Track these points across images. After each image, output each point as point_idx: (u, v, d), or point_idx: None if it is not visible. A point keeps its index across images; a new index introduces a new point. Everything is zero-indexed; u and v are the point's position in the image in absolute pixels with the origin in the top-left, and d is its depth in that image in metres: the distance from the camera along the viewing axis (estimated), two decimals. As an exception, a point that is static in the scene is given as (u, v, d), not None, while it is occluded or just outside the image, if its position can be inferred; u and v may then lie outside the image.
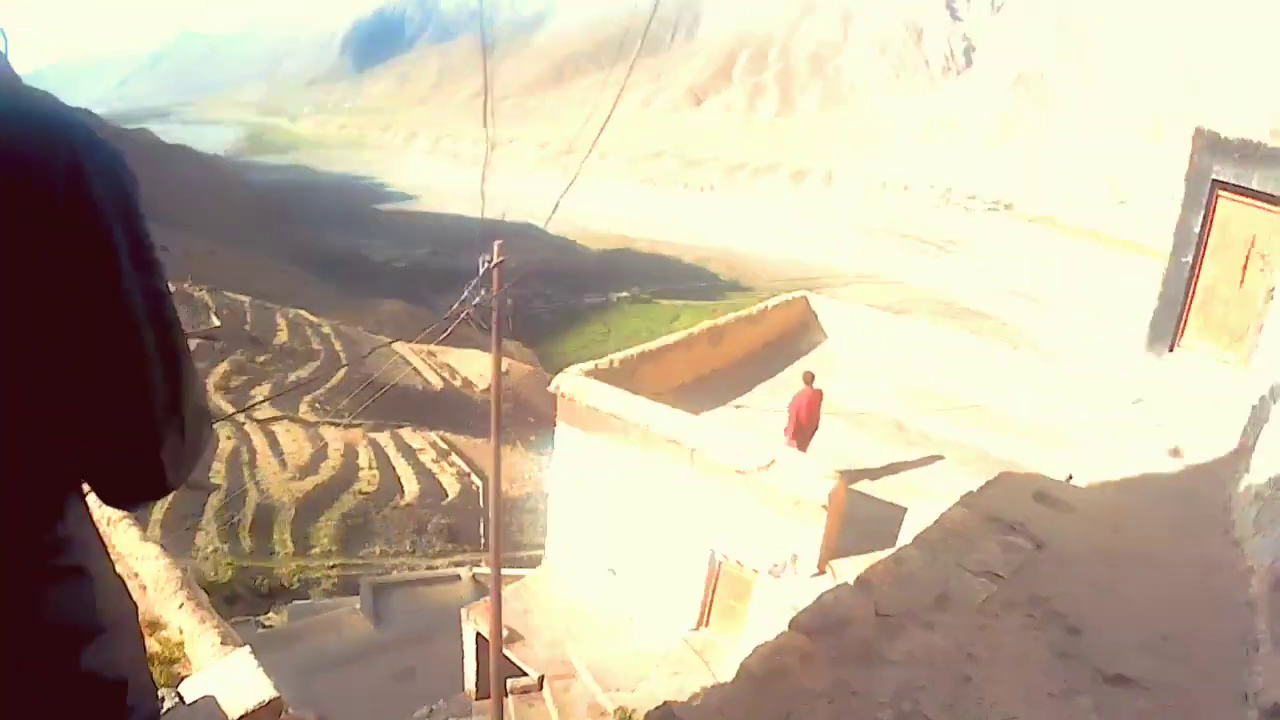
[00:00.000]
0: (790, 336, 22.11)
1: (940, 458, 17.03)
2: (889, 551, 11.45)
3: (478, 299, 15.91)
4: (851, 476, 14.69)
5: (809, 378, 16.48)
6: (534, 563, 25.90)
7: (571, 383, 16.06)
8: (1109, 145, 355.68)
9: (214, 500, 39.04)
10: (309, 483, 41.66)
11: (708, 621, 15.48)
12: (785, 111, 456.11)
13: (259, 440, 46.02)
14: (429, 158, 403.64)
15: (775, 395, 18.92)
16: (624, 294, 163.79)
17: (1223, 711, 4.97)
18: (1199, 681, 5.12)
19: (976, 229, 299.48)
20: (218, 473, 41.03)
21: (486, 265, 15.79)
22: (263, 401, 47.91)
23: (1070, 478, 9.58)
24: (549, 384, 17.47)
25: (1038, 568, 5.92)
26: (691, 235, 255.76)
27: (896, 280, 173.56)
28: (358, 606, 27.06)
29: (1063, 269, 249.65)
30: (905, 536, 10.86)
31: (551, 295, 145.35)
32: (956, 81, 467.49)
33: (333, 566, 35.39)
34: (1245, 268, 13.20)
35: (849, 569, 12.35)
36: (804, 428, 16.72)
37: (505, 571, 16.89)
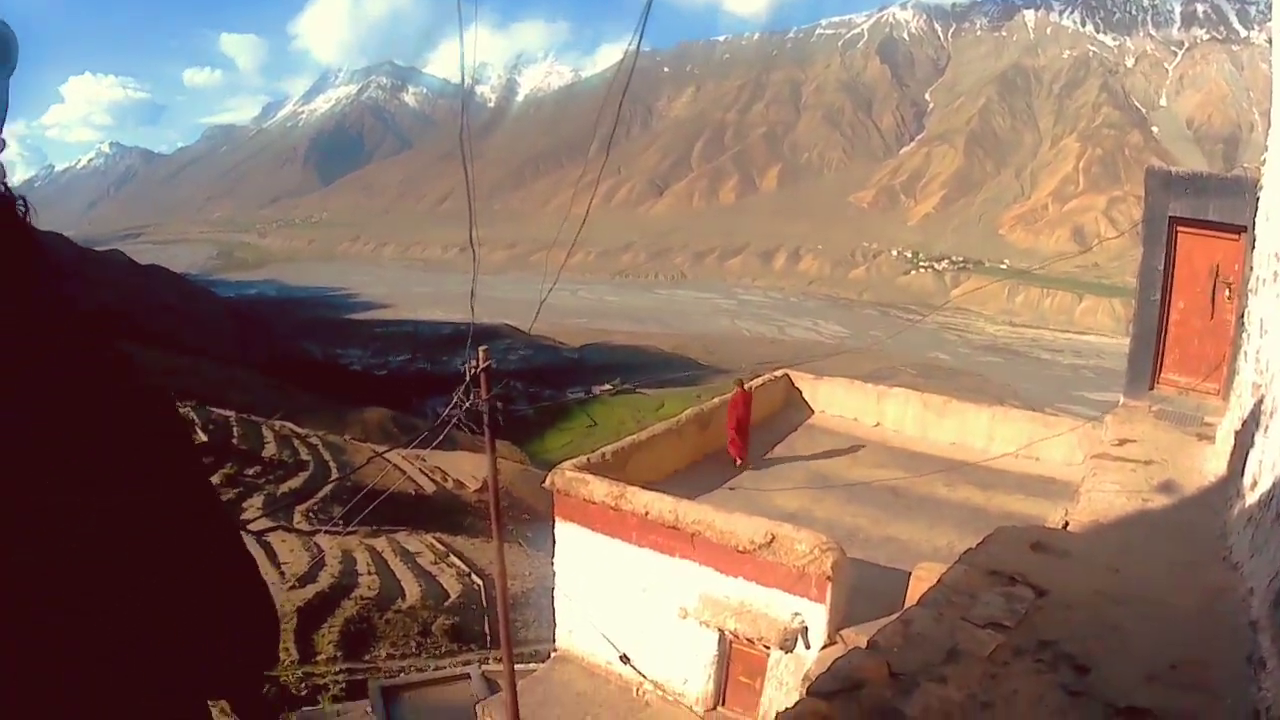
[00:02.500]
0: (776, 415, 22.36)
1: (938, 519, 17.21)
2: (896, 615, 11.62)
3: (466, 404, 16.07)
4: (852, 546, 14.86)
5: (739, 383, 18.57)
6: (541, 657, 25.88)
7: (566, 477, 16.21)
8: (1064, 191, 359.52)
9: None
10: (309, 591, 41.43)
11: (724, 701, 15.53)
12: (747, 192, 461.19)
13: (256, 552, 45.80)
14: (398, 265, 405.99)
15: (767, 474, 19.14)
16: (606, 386, 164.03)
17: (1235, 732, 5.14)
18: (1210, 705, 5.26)
19: (947, 289, 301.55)
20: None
21: (473, 370, 16.00)
22: (259, 517, 47.79)
23: (1066, 525, 9.75)
24: (541, 480, 17.64)
25: (1042, 614, 6.08)
26: (668, 323, 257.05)
27: (874, 347, 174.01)
28: (369, 710, 26.97)
29: (1037, 320, 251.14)
30: (910, 601, 11.02)
31: (534, 392, 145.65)
32: (911, 146, 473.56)
33: (339, 672, 35.15)
34: (1213, 298, 13.46)
35: (859, 637, 12.51)
36: (743, 426, 19.32)
37: (515, 667, 16.93)
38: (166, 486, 1.60)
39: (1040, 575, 6.57)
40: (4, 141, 1.83)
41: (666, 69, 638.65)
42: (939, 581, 6.71)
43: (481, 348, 16.87)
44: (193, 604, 1.57)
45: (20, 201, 1.79)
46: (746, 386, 20.59)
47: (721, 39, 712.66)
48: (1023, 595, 6.28)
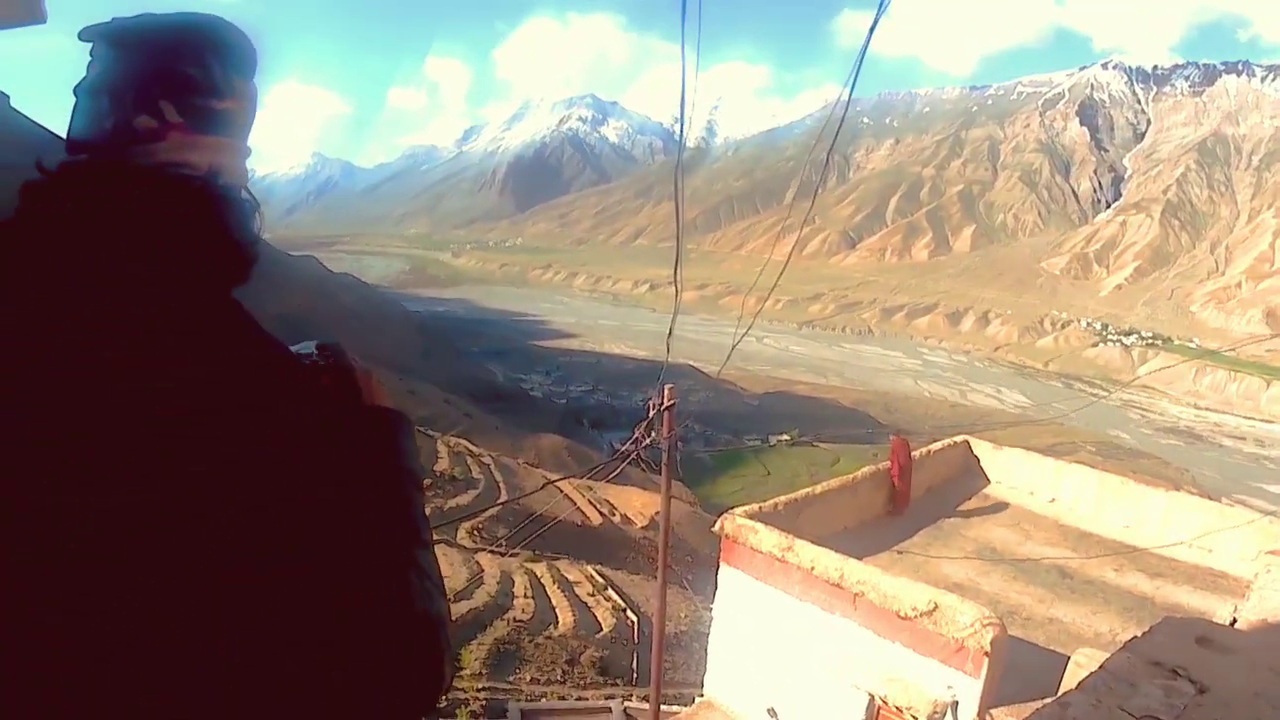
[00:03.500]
0: (952, 481, 22.11)
1: (1102, 605, 16.91)
2: (1049, 700, 11.49)
3: (647, 441, 16.22)
4: (1013, 623, 14.70)
5: (897, 435, 19.37)
6: (684, 700, 25.88)
7: (736, 524, 16.23)
8: (1259, 269, 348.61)
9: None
10: (463, 606, 41.86)
11: (867, 765, 15.40)
12: (939, 251, 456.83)
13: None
14: (588, 297, 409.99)
15: (937, 540, 18.98)
16: (784, 436, 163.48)
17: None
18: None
19: (1134, 365, 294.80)
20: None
21: (656, 407, 16.16)
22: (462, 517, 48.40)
23: (1234, 621, 9.57)
24: (710, 524, 17.71)
25: (1200, 711, 6.00)
26: (850, 378, 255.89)
27: (1055, 420, 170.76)
28: (506, 731, 27.14)
29: (1222, 404, 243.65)
30: (1067, 685, 10.88)
31: (711, 435, 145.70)
32: (1106, 213, 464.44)
33: (482, 690, 35.46)
34: None
35: (1008, 717, 12.37)
36: (905, 473, 19.62)
37: (661, 709, 16.98)
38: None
39: (1203, 671, 6.50)
40: (250, 148, 1.96)
41: (866, 120, 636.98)
42: (1101, 667, 6.67)
43: (668, 385, 17.06)
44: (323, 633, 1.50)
45: (257, 214, 1.93)
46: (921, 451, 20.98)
47: (922, 92, 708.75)
48: (1183, 690, 6.22)
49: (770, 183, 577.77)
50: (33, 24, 4.20)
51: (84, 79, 1.80)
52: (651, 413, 16.49)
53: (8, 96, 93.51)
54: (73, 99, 1.79)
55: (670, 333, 16.33)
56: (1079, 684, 6.58)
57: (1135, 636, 7.37)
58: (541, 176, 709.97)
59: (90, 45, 1.80)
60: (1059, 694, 9.77)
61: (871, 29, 10.09)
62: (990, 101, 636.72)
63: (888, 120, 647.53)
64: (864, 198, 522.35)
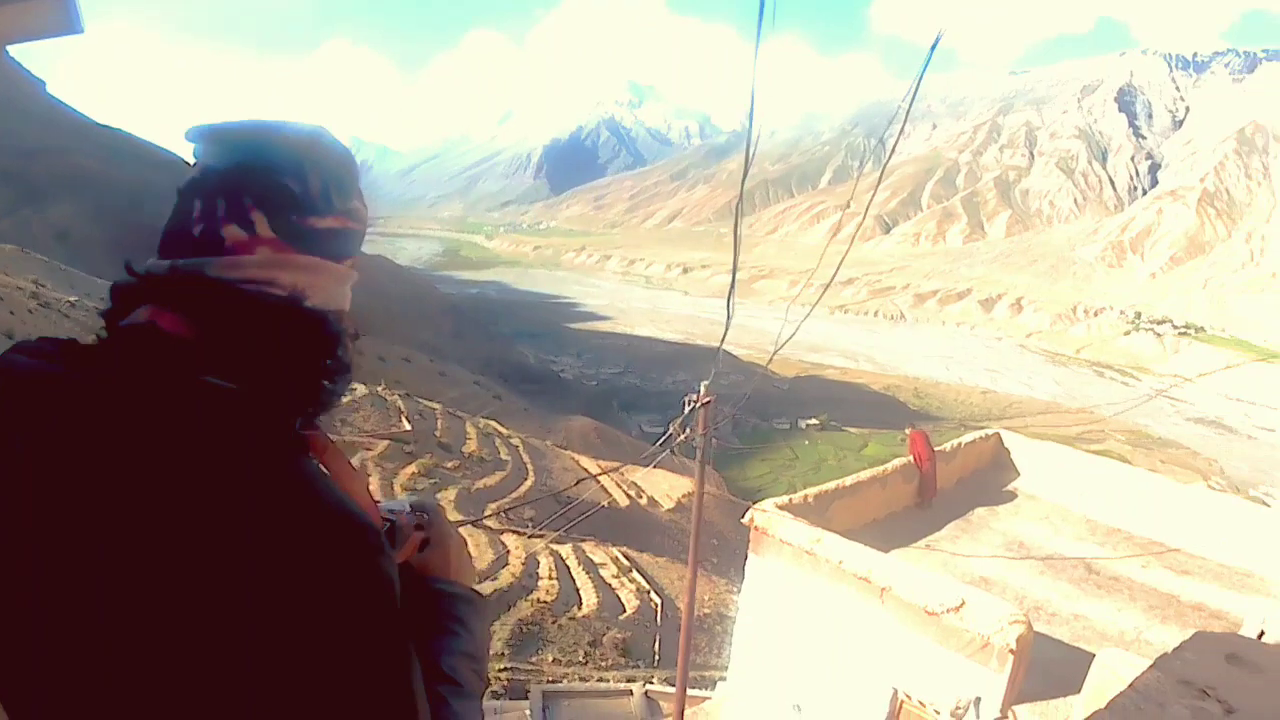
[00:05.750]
0: (983, 473, 22.03)
1: (1128, 602, 16.82)
2: (1071, 698, 11.41)
3: (682, 436, 16.21)
4: (1039, 619, 14.63)
5: (913, 427, 19.49)
6: (707, 683, 25.96)
7: (765, 516, 16.19)
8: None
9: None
10: (487, 586, 41.98)
11: (887, 759, 15.37)
12: (974, 237, 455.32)
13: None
14: (620, 280, 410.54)
15: (966, 534, 18.91)
16: (813, 420, 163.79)
17: None
18: None
19: (1166, 354, 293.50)
20: (398, 574, 41.54)
21: (692, 404, 16.16)
22: (490, 514, 48.58)
23: (1262, 634, 9.47)
24: (738, 510, 17.73)
25: (1229, 731, 5.95)
26: (881, 363, 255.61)
27: (1086, 409, 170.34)
28: (527, 713, 27.24)
29: (1256, 395, 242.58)
30: (1091, 683, 10.82)
31: (740, 418, 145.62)
32: (1142, 201, 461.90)
33: (504, 670, 35.55)
34: None
35: (1032, 715, 12.33)
36: (927, 464, 19.73)
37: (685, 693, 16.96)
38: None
39: (1231, 690, 6.40)
40: (353, 273, 1.93)
41: (902, 104, 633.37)
42: (1130, 685, 6.60)
43: (704, 382, 17.03)
44: None
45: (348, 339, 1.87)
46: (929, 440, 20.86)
47: (961, 77, 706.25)
48: (1211, 711, 6.13)
49: (806, 167, 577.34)
50: (70, 34, 4.21)
51: (185, 177, 1.75)
52: (687, 409, 16.49)
53: (44, 83, 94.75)
54: (175, 196, 1.74)
55: (722, 340, 16.28)
56: (1108, 704, 6.51)
57: (1165, 654, 7.28)
58: (577, 160, 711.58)
59: (194, 144, 1.75)
60: (1083, 702, 9.69)
61: (928, 57, 9.99)
62: (1029, 88, 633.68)
63: (926, 105, 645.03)
64: (899, 182, 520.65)
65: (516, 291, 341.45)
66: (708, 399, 16.26)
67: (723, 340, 16.76)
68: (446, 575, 2.01)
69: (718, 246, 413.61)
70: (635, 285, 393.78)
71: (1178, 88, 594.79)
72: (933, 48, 10.47)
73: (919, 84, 11.74)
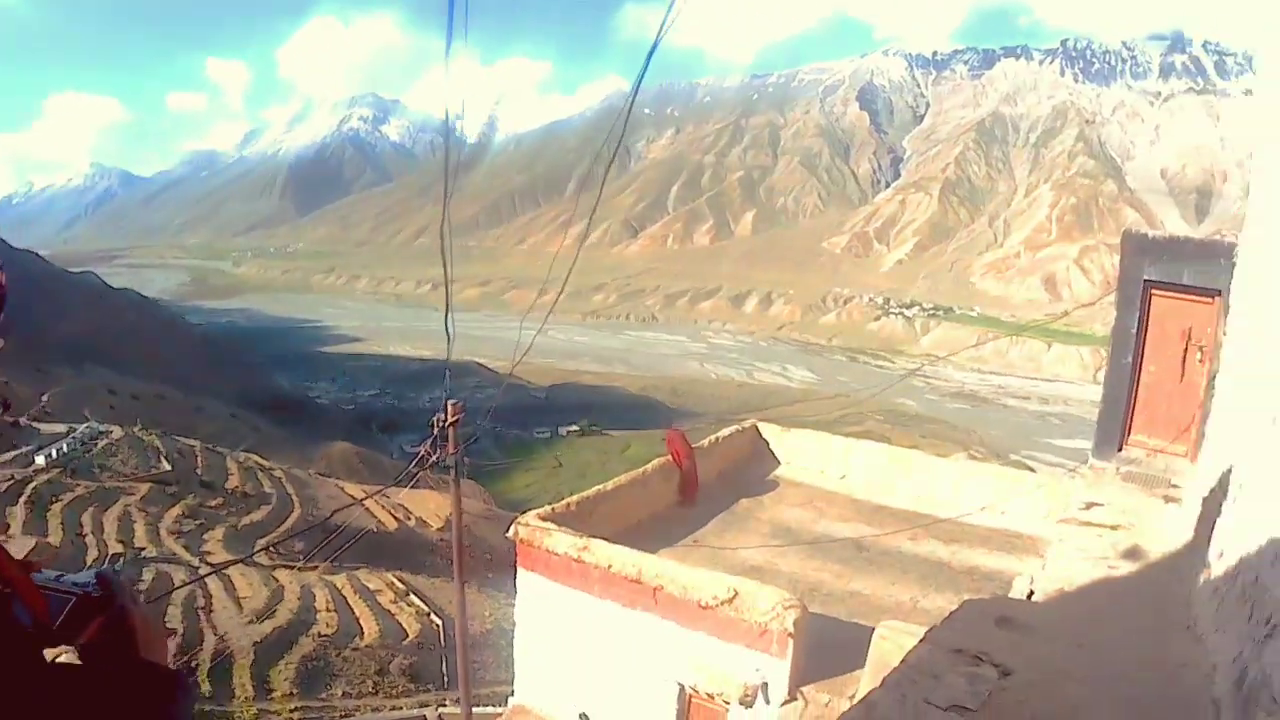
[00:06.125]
0: (743, 465, 22.21)
1: (901, 574, 17.10)
2: (857, 672, 11.50)
3: (433, 458, 15.93)
4: (814, 600, 14.74)
5: (671, 426, 19.84)
6: (498, 700, 25.66)
7: (528, 529, 16.03)
8: (1037, 240, 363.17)
9: (169, 645, 38.49)
10: (267, 626, 41.15)
11: (682, 757, 15.32)
12: (721, 236, 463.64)
13: (214, 584, 45.47)
14: (371, 299, 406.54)
15: (732, 526, 19.02)
16: (573, 426, 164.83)
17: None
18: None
19: (917, 336, 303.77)
20: (174, 618, 40.42)
21: (441, 424, 15.88)
22: (258, 550, 47.45)
23: (1031, 594, 9.63)
24: (504, 525, 17.48)
25: (1005, 695, 5.94)
26: (636, 365, 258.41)
27: (843, 394, 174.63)
28: (324, 751, 26.71)
29: (1004, 367, 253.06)
30: (872, 655, 10.93)
31: (500, 430, 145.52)
32: (885, 193, 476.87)
33: (295, 709, 34.78)
34: (1184, 361, 13.47)
35: (819, 694, 12.40)
36: (686, 461, 19.85)
37: (473, 711, 16.71)
38: None
39: (1004, 653, 6.45)
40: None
41: (647, 110, 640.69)
42: (902, 661, 6.58)
43: (453, 401, 16.76)
44: None
45: None
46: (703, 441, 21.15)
47: (703, 82, 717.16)
48: (986, 675, 6.15)
49: (552, 175, 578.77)
50: None
51: None
52: (435, 430, 16.21)
53: None
54: None
55: (448, 357, 16.00)
56: (883, 681, 6.48)
57: (934, 626, 7.31)
58: (322, 178, 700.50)
59: None
60: (867, 674, 9.73)
61: (662, 27, 9.85)
62: (771, 90, 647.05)
63: (669, 110, 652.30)
64: (645, 187, 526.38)
65: (268, 318, 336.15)
66: (455, 418, 15.99)
67: (448, 357, 16.52)
68: (135, 653, 1.73)
69: (468, 259, 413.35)
70: (387, 304, 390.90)
71: (919, 85, 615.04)
72: (651, 52, 10.38)
73: (638, 87, 11.71)
